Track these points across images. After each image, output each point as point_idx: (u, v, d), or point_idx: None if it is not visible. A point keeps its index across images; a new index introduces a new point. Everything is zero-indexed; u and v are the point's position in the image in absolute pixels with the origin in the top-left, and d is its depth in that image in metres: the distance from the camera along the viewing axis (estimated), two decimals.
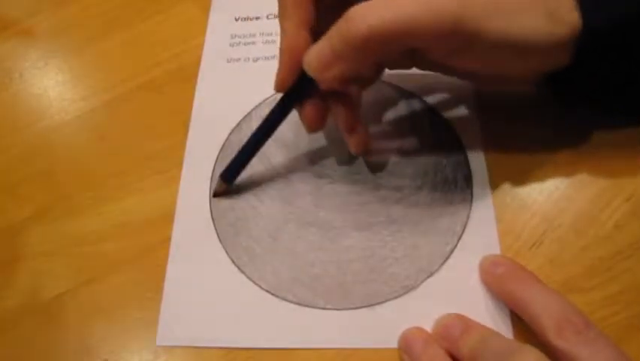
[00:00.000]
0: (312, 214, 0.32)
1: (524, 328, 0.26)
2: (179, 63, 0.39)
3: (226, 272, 0.31)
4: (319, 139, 0.34)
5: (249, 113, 0.36)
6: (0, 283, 0.32)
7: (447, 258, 0.30)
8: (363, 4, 0.25)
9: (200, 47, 0.40)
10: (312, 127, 0.30)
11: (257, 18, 0.41)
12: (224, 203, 0.33)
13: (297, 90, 0.29)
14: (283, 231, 0.32)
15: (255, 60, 0.38)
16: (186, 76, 0.38)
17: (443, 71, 0.31)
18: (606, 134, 0.32)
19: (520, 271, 0.27)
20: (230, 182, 0.33)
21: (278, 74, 0.29)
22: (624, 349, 0.24)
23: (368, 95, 0.35)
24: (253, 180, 0.33)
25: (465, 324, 0.27)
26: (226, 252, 0.31)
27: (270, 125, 0.31)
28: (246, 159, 0.32)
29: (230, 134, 0.35)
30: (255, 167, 0.34)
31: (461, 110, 0.34)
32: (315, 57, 0.27)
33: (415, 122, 0.34)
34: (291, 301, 0.30)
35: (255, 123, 0.35)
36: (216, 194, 0.33)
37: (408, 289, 0.29)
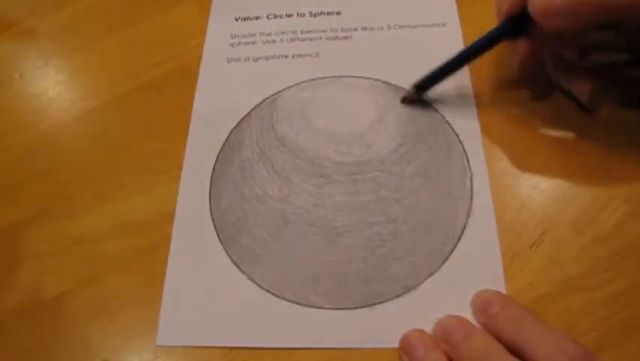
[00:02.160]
0: (312, 214, 0.32)
1: None
2: (179, 63, 0.39)
3: (226, 272, 0.31)
4: (319, 139, 0.34)
5: (249, 113, 0.36)
6: (0, 283, 0.32)
7: (447, 258, 0.30)
8: None
9: (200, 46, 0.40)
10: (523, 64, 0.32)
11: (257, 18, 0.41)
12: (224, 203, 0.33)
13: (515, 24, 0.30)
14: (283, 231, 0.32)
15: (255, 60, 0.38)
16: (186, 76, 0.38)
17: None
18: (606, 135, 0.32)
19: (514, 308, 0.27)
20: (423, 91, 0.34)
21: (510, 3, 0.30)
22: (624, 349, 0.24)
23: (368, 95, 0.36)
24: (254, 180, 0.33)
25: (466, 329, 0.26)
26: (226, 252, 0.31)
27: (480, 46, 0.32)
28: (445, 73, 0.33)
29: (230, 134, 0.35)
30: (256, 167, 0.34)
31: (462, 110, 0.34)
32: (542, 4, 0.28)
33: (416, 122, 0.34)
34: (290, 301, 0.30)
35: (255, 123, 0.36)
36: (405, 100, 0.34)
37: (408, 289, 0.29)
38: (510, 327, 0.26)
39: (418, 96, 0.34)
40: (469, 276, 0.29)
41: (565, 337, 0.24)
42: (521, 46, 0.32)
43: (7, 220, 0.34)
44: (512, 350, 0.25)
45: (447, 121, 0.34)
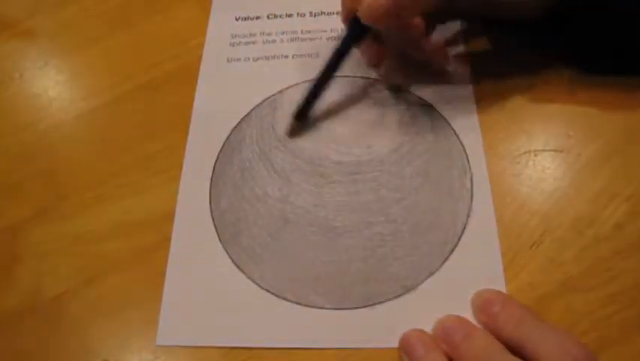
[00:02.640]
0: (312, 214, 0.32)
1: None
2: (179, 63, 0.39)
3: (226, 272, 0.31)
4: (319, 139, 0.34)
5: (249, 113, 0.36)
6: (0, 283, 0.32)
7: (447, 258, 0.30)
8: None
9: (200, 46, 0.40)
10: (372, 62, 0.35)
11: (257, 18, 0.41)
12: (224, 203, 0.33)
13: (351, 34, 0.33)
14: (283, 231, 0.32)
15: (256, 60, 0.38)
16: (186, 76, 0.38)
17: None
18: (606, 134, 0.32)
19: (515, 308, 0.26)
20: (300, 120, 0.34)
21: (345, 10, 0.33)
22: (624, 349, 0.24)
23: (368, 95, 0.36)
24: (254, 180, 0.33)
25: (466, 329, 0.26)
26: (226, 252, 0.31)
27: (336, 57, 0.33)
28: (314, 96, 0.34)
29: (230, 134, 0.35)
30: (256, 167, 0.34)
31: (462, 110, 0.34)
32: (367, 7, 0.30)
33: (416, 122, 0.34)
34: (290, 301, 0.30)
35: (255, 123, 0.36)
36: (291, 133, 0.35)
37: (408, 289, 0.29)
38: (511, 326, 0.26)
39: (301, 124, 0.35)
40: (469, 276, 0.29)
41: (566, 336, 0.24)
42: (367, 47, 0.34)
43: (7, 220, 0.34)
44: (513, 350, 0.25)
45: (447, 121, 0.34)
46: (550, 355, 0.24)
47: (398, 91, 0.35)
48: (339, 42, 0.33)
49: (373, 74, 0.36)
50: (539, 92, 0.34)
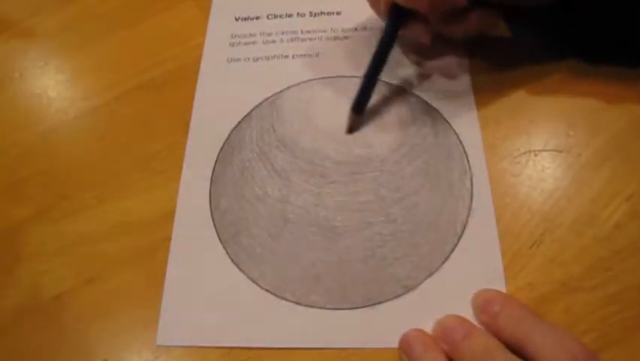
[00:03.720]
0: (312, 214, 0.32)
1: None
2: (179, 63, 0.39)
3: (226, 272, 0.31)
4: (320, 139, 0.34)
5: (249, 113, 0.36)
6: (0, 283, 0.32)
7: (447, 258, 0.30)
8: None
9: (200, 46, 0.40)
10: (425, 41, 0.34)
11: (257, 18, 0.41)
12: (224, 203, 0.33)
13: (393, 21, 0.33)
14: (283, 231, 0.32)
15: (255, 60, 0.38)
16: (186, 76, 0.38)
17: None
18: (606, 134, 0.32)
19: (515, 307, 0.27)
20: (361, 112, 0.34)
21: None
22: (624, 349, 0.24)
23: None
24: (253, 180, 0.34)
25: (466, 329, 0.26)
26: (226, 252, 0.31)
27: (384, 48, 0.33)
28: (369, 88, 0.34)
29: (230, 134, 0.35)
30: (256, 166, 0.34)
31: (462, 111, 0.34)
32: None
33: (416, 122, 0.34)
34: (290, 301, 0.30)
35: (255, 123, 0.36)
36: (352, 129, 0.34)
37: (408, 289, 0.29)
38: (511, 326, 0.26)
39: (359, 118, 0.34)
40: (469, 276, 0.29)
41: (567, 335, 0.24)
42: (414, 30, 0.34)
43: (7, 220, 0.34)
44: (513, 349, 0.25)
45: (447, 121, 0.34)
46: (550, 354, 0.24)
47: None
48: (384, 32, 0.33)
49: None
50: (540, 92, 0.34)
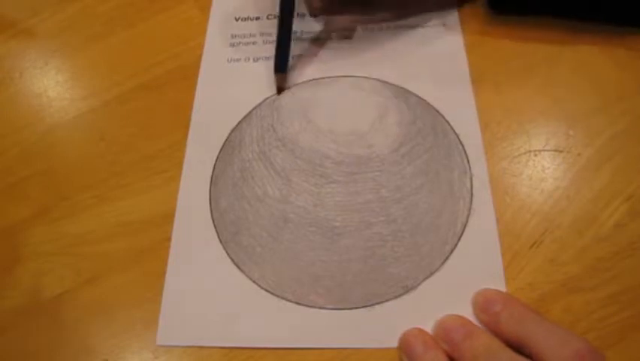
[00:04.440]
0: (312, 214, 0.32)
1: None
2: (179, 63, 0.39)
3: (226, 272, 0.31)
4: (320, 139, 0.34)
5: (249, 113, 0.36)
6: (0, 283, 0.32)
7: (447, 258, 0.30)
8: None
9: (200, 46, 0.40)
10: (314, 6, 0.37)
11: (257, 18, 0.41)
12: (224, 203, 0.33)
13: None
14: (283, 231, 0.32)
15: (255, 60, 0.38)
16: (186, 76, 0.38)
17: None
18: (606, 134, 0.32)
19: (516, 307, 0.27)
20: (284, 71, 0.36)
21: None
22: (624, 349, 0.24)
23: (368, 95, 0.36)
24: (253, 180, 0.34)
25: (467, 329, 0.26)
26: (226, 252, 0.31)
27: (288, 6, 0.35)
28: (285, 45, 0.36)
29: (230, 134, 0.35)
30: (256, 166, 0.34)
31: (462, 111, 0.34)
32: None
33: (416, 122, 0.34)
34: (290, 301, 0.30)
35: (255, 123, 0.36)
36: (281, 89, 0.36)
37: (408, 289, 0.29)
38: (513, 325, 0.26)
39: (284, 77, 0.36)
40: (469, 276, 0.29)
41: (569, 333, 0.24)
42: None
43: (7, 220, 0.34)
44: (515, 349, 0.25)
45: (447, 121, 0.34)
46: (552, 351, 0.24)
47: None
48: None
49: (374, 74, 0.36)
50: (540, 92, 0.34)
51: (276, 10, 0.40)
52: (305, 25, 0.39)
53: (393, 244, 0.30)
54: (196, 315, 0.30)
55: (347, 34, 0.38)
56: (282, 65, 0.36)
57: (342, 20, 0.39)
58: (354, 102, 0.35)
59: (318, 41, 0.39)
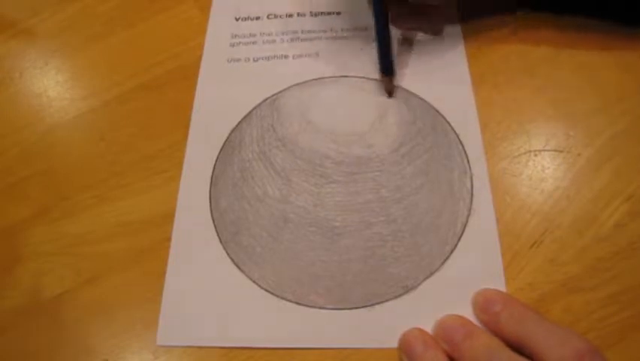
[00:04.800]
0: (312, 214, 0.32)
1: None
2: (179, 63, 0.39)
3: (226, 272, 0.31)
4: (320, 139, 0.34)
5: (249, 113, 0.36)
6: (0, 283, 0.32)
7: (447, 258, 0.30)
8: None
9: (200, 46, 0.40)
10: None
11: (257, 18, 0.41)
12: (224, 203, 0.33)
13: None
14: (283, 231, 0.32)
15: (255, 60, 0.38)
16: (186, 76, 0.38)
17: None
18: (606, 134, 0.32)
19: (516, 307, 0.27)
20: (392, 73, 0.35)
21: None
22: (624, 349, 0.24)
23: (368, 95, 0.36)
24: (253, 180, 0.34)
25: (467, 329, 0.26)
26: (226, 252, 0.31)
27: (381, 12, 0.34)
28: (386, 47, 0.35)
29: (230, 133, 0.35)
30: (256, 166, 0.34)
31: (462, 110, 0.34)
32: None
33: (416, 122, 0.34)
34: (290, 301, 0.30)
35: (255, 123, 0.36)
36: (390, 92, 0.35)
37: (408, 289, 0.29)
38: (513, 325, 0.26)
39: (392, 80, 0.35)
40: (469, 276, 0.29)
41: (570, 332, 0.24)
42: None
43: (7, 220, 0.34)
44: (515, 349, 0.25)
45: (447, 121, 0.34)
46: (553, 350, 0.24)
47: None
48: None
49: (373, 75, 0.36)
50: (540, 92, 0.34)
51: (277, 11, 0.41)
52: (305, 25, 0.39)
53: (393, 244, 0.30)
54: (196, 315, 0.30)
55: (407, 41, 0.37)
56: (388, 68, 0.35)
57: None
58: (354, 102, 0.35)
59: (318, 41, 0.39)
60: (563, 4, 0.35)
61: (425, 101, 0.35)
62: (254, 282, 0.30)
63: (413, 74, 0.36)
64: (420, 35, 0.37)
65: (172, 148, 0.35)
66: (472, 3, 0.37)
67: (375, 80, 0.36)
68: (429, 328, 0.27)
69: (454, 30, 0.37)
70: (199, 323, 0.30)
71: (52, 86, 0.40)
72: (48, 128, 0.38)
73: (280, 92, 0.37)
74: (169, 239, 0.32)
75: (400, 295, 0.29)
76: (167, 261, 0.32)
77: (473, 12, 0.37)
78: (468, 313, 0.28)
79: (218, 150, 0.35)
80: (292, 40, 0.39)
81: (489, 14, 0.37)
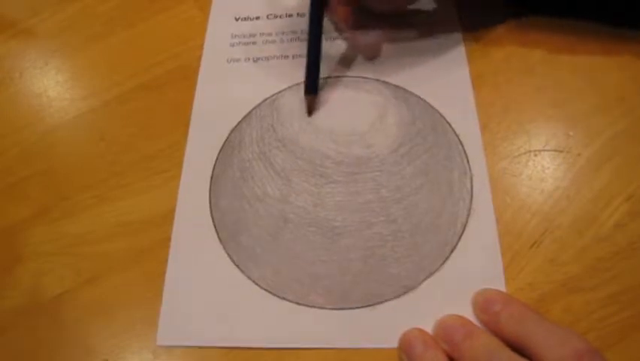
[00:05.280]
0: (312, 214, 0.32)
1: None
2: (179, 63, 0.39)
3: (226, 272, 0.31)
4: (320, 139, 0.34)
5: (249, 113, 0.36)
6: (0, 283, 0.32)
7: (447, 258, 0.30)
8: None
9: (200, 47, 0.40)
10: (346, 22, 0.36)
11: (257, 18, 0.41)
12: (224, 203, 0.33)
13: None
14: (283, 231, 0.32)
15: (255, 60, 0.38)
16: (186, 76, 0.38)
17: None
18: (606, 134, 0.32)
19: (516, 307, 0.27)
20: (315, 92, 0.35)
21: None
22: (624, 349, 0.24)
23: (368, 95, 0.36)
24: (253, 180, 0.34)
25: (467, 329, 0.26)
26: (226, 252, 0.31)
27: (316, 28, 0.35)
28: (316, 67, 0.35)
29: (230, 134, 0.35)
30: (256, 166, 0.34)
31: (462, 111, 0.34)
32: None
33: (416, 122, 0.34)
34: (290, 301, 0.30)
35: (255, 123, 0.36)
36: (311, 111, 0.35)
37: (408, 289, 0.29)
38: (513, 325, 0.26)
39: (315, 98, 0.36)
40: (469, 276, 0.29)
41: (569, 332, 0.24)
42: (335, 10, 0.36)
43: (7, 220, 0.34)
44: (515, 349, 0.25)
45: (447, 121, 0.34)
46: (552, 350, 0.24)
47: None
48: (310, 10, 0.35)
49: (373, 75, 0.36)
50: (539, 92, 0.34)
51: (277, 11, 0.41)
52: (305, 25, 0.39)
53: (393, 244, 0.30)
54: (196, 315, 0.30)
55: (373, 54, 0.37)
56: (312, 87, 0.35)
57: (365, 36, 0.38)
58: (354, 102, 0.35)
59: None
60: (563, 7, 0.35)
61: (425, 102, 0.35)
62: (254, 282, 0.30)
63: (413, 74, 0.36)
64: (418, 34, 0.37)
65: (172, 148, 0.35)
66: (472, 3, 0.37)
67: (376, 80, 0.36)
68: (429, 328, 0.27)
69: (454, 30, 0.37)
70: (199, 323, 0.30)
71: (52, 86, 0.40)
72: (48, 128, 0.38)
73: (280, 92, 0.37)
74: (169, 239, 0.32)
75: (399, 295, 0.29)
76: (167, 261, 0.32)
77: (473, 12, 0.37)
78: (468, 314, 0.28)
79: (218, 150, 0.35)
80: (292, 40, 0.39)
81: (489, 14, 0.37)
